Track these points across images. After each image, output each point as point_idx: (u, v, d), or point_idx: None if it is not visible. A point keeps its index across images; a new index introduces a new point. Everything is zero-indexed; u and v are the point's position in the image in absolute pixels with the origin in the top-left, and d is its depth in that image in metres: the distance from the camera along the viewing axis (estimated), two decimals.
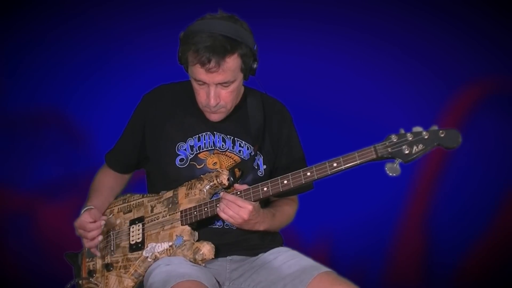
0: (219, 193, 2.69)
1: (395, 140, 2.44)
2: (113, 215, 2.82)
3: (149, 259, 2.68)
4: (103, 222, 2.71)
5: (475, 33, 4.00)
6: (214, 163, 2.73)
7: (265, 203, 2.78)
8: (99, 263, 2.79)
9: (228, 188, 2.69)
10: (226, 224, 2.70)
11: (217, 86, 2.62)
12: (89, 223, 2.70)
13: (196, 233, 2.67)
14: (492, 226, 4.07)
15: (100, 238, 2.71)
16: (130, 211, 2.80)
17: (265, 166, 2.78)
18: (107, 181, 2.91)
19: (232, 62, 2.60)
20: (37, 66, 3.90)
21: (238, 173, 2.71)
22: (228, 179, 2.66)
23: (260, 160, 2.78)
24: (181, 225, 2.66)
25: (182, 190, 2.70)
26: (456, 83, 4.02)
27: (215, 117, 2.71)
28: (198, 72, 2.59)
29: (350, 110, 3.96)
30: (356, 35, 3.96)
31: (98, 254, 2.75)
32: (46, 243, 3.91)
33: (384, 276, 4.05)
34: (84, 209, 2.77)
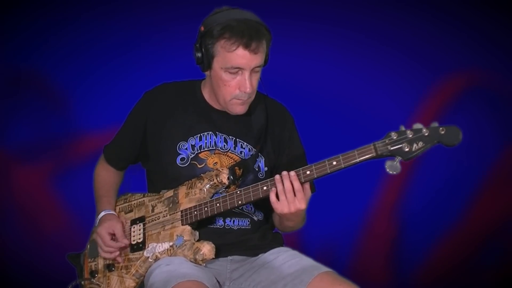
0: (220, 192, 2.67)
1: (395, 137, 2.40)
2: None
3: (150, 259, 2.67)
4: (122, 245, 2.72)
5: (466, 27, 4.04)
6: (215, 163, 2.71)
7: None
8: (100, 263, 2.78)
9: (228, 187, 2.67)
10: (227, 224, 2.69)
11: (250, 72, 2.61)
12: (110, 240, 2.71)
13: (197, 233, 2.65)
14: (464, 217, 4.09)
15: (117, 253, 2.72)
16: (131, 210, 2.79)
17: (266, 168, 2.76)
18: (112, 177, 2.91)
19: (265, 45, 2.61)
20: (21, 28, 3.93)
21: (238, 172, 2.69)
22: (228, 178, 2.64)
23: (261, 162, 2.76)
24: (182, 225, 2.64)
25: (182, 190, 2.68)
26: (441, 73, 4.06)
27: (242, 109, 2.68)
28: (236, 57, 2.57)
29: (344, 105, 4.00)
30: (349, 34, 4.00)
31: (120, 260, 2.73)
32: (18, 206, 3.93)
33: (352, 262, 4.06)
34: (105, 212, 2.78)
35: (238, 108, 2.68)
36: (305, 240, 3.78)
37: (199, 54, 2.65)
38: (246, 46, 2.55)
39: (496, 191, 4.09)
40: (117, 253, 2.72)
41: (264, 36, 2.60)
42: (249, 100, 2.67)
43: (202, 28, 2.63)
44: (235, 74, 2.61)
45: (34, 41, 3.92)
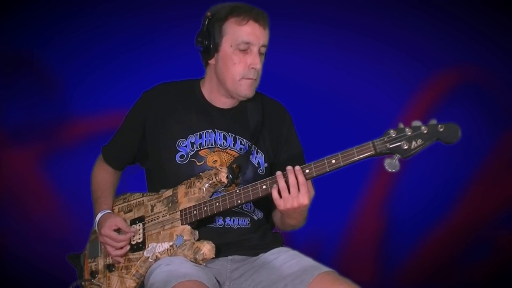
0: (219, 192, 2.67)
1: (393, 135, 2.39)
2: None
3: (150, 259, 2.66)
4: (131, 235, 2.72)
5: (459, 23, 4.05)
6: (214, 161, 2.71)
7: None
8: (101, 264, 2.78)
9: (227, 186, 2.66)
10: (227, 223, 2.69)
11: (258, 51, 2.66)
12: (117, 234, 2.71)
13: (197, 232, 2.64)
14: (453, 214, 4.10)
15: (128, 248, 2.72)
16: (130, 210, 2.78)
17: (266, 165, 2.76)
18: (110, 178, 2.90)
19: (268, 29, 2.69)
20: (16, 11, 3.93)
21: (237, 170, 2.69)
22: (227, 177, 2.63)
23: (261, 158, 2.76)
24: (181, 224, 2.63)
25: (181, 189, 2.68)
26: (435, 69, 4.07)
27: (250, 91, 2.70)
28: (246, 31, 2.63)
29: (339, 102, 4.01)
30: (344, 32, 4.01)
31: (122, 261, 2.73)
32: (7, 189, 3.94)
33: (339, 259, 4.07)
34: (102, 213, 2.78)
35: (248, 90, 2.69)
36: (291, 237, 3.80)
37: (206, 40, 2.68)
38: (256, 20, 2.63)
39: (486, 187, 4.09)
40: (128, 247, 2.71)
41: (268, 19, 2.67)
42: (256, 82, 2.69)
43: (209, 14, 2.68)
44: (244, 53, 2.64)
45: (29, 24, 3.91)
